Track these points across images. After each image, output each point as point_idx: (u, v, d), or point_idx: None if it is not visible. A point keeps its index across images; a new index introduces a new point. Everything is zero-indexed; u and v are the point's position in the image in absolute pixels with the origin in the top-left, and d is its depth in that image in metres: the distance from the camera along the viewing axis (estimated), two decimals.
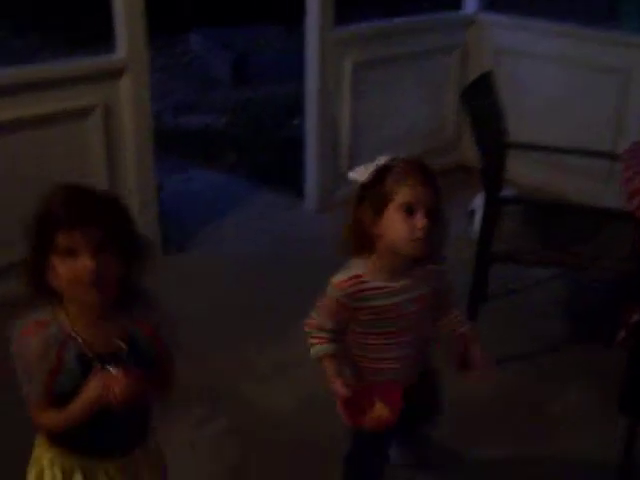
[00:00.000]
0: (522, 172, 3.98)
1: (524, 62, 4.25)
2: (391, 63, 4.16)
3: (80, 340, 1.47)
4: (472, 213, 3.65)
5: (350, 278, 1.79)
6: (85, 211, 1.41)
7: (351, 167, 3.98)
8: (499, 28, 4.40)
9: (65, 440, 1.58)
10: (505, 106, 3.10)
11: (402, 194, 1.70)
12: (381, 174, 1.75)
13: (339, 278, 1.80)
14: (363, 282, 1.79)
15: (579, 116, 4.05)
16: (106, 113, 3.23)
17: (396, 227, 1.71)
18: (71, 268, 1.39)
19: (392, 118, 4.21)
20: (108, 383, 1.43)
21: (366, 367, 1.89)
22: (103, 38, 3.63)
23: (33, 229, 1.43)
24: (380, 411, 1.77)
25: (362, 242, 1.78)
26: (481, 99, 2.82)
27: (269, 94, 6.18)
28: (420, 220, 1.69)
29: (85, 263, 1.38)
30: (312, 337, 1.86)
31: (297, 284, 3.15)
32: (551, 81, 4.15)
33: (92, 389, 1.44)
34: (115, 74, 3.23)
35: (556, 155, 3.64)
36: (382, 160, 1.77)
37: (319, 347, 1.84)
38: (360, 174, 1.78)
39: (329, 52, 3.86)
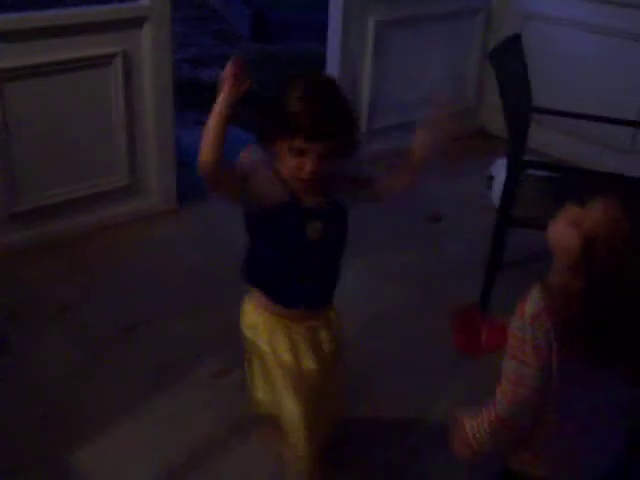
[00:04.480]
0: (545, 141, 3.94)
1: (551, 28, 4.18)
2: (414, 24, 4.10)
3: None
4: (491, 178, 3.62)
5: None
6: (326, 130, 1.60)
7: (370, 127, 4.06)
8: None
9: (268, 290, 1.81)
10: (530, 73, 3.06)
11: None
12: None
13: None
14: None
15: (607, 86, 3.99)
16: (127, 61, 3.20)
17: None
18: (295, 162, 1.63)
19: (413, 80, 4.16)
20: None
21: None
22: None
23: (275, 117, 1.62)
24: None
25: None
26: (509, 60, 2.78)
27: (288, 51, 6.11)
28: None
29: (309, 166, 1.62)
30: None
31: None
32: (580, 48, 4.08)
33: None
34: (137, 22, 3.19)
35: (580, 125, 3.58)
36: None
37: None
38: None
39: (352, 10, 3.82)
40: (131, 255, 3.21)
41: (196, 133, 4.49)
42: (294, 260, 1.77)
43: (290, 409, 1.87)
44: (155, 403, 2.41)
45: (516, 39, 2.94)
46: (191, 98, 4.77)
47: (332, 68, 3.92)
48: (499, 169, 3.48)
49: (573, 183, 2.77)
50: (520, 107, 2.77)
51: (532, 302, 1.41)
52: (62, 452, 2.21)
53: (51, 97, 3.08)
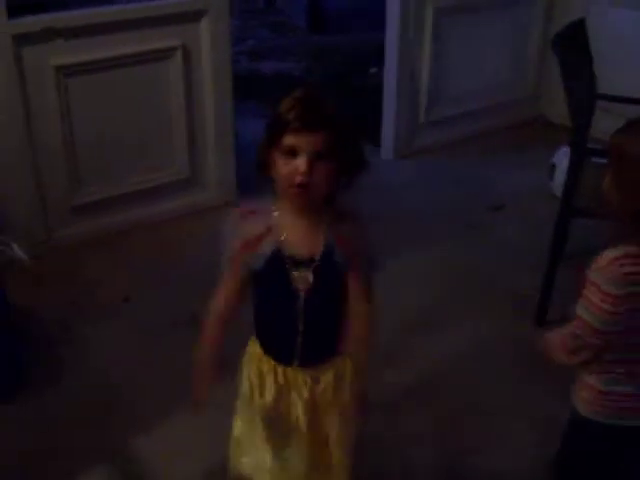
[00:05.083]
0: (606, 128, 3.82)
1: (616, 11, 4.04)
2: (473, 11, 4.04)
3: (283, 237, 1.55)
4: (553, 167, 3.55)
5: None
6: (313, 117, 1.46)
7: (428, 116, 4.02)
8: None
9: (261, 339, 1.70)
10: (594, 58, 2.97)
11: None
12: None
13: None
14: None
15: None
16: (186, 55, 3.23)
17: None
18: (287, 166, 1.47)
19: (473, 68, 4.10)
20: None
21: None
22: None
23: (268, 125, 1.51)
24: None
25: None
26: (573, 46, 2.71)
27: (346, 41, 6.09)
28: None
29: (300, 164, 1.45)
30: None
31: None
32: None
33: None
34: (195, 16, 3.22)
35: None
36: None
37: None
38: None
39: None
40: (189, 248, 3.24)
41: (254, 125, 4.53)
42: (283, 309, 1.60)
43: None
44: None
45: (580, 24, 2.87)
46: (249, 90, 4.79)
47: (390, 57, 3.89)
48: (561, 158, 3.41)
49: None
50: (585, 95, 2.70)
51: (607, 252, 1.47)
52: (120, 438, 2.29)
53: (112, 91, 3.13)
